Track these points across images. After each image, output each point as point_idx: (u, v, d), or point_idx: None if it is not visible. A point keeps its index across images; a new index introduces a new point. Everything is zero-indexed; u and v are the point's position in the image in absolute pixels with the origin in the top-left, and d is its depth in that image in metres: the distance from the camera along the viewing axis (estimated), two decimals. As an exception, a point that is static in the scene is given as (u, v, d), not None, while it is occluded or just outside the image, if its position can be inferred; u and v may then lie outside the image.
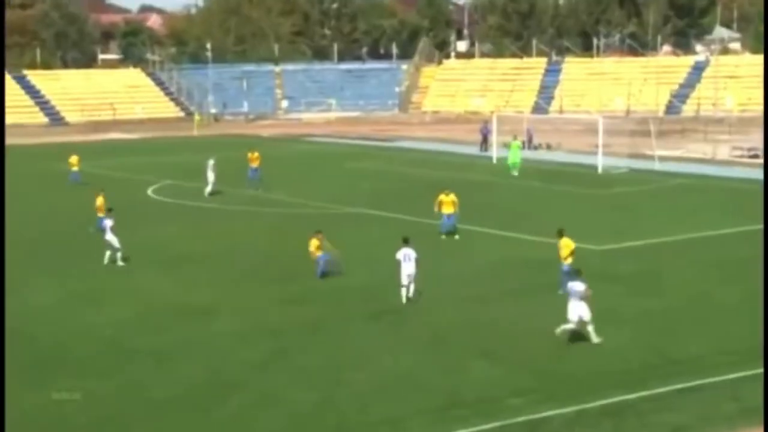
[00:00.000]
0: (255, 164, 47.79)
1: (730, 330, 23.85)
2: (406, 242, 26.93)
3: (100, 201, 35.92)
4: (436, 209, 35.67)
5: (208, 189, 45.52)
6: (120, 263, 31.26)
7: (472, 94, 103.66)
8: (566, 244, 27.23)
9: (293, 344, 23.37)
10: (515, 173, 52.63)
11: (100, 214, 35.05)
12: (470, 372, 21.38)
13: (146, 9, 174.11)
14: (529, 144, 64.45)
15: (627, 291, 27.94)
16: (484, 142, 66.19)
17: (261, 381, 20.89)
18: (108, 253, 31.51)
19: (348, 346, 23.19)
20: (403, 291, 26.51)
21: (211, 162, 45.86)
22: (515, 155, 53.70)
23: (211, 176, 45.48)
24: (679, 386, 20.15)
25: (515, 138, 56.48)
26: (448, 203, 35.35)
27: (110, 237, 31.40)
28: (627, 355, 22.22)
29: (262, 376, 21.18)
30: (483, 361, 22.03)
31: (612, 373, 21.04)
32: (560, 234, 27.61)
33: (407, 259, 26.44)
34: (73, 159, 52.22)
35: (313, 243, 29.36)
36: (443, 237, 35.34)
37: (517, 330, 24.28)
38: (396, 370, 21.41)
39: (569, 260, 26.82)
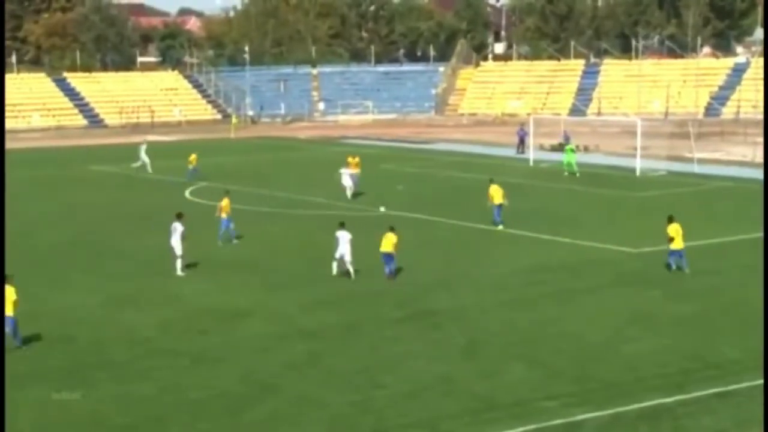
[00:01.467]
0: (355, 169, 48.55)
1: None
2: (341, 225, 30.21)
3: (225, 203, 36.10)
4: (488, 203, 37.91)
5: (348, 193, 46.81)
6: (179, 273, 30.54)
7: (509, 96, 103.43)
8: (674, 230, 29.71)
9: (328, 347, 23.46)
10: (569, 174, 53.53)
11: (224, 216, 35.61)
12: (506, 375, 21.37)
13: (185, 12, 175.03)
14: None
15: (664, 294, 27.79)
16: (521, 144, 66.02)
17: (296, 383, 20.97)
18: (179, 263, 30.81)
19: (383, 349, 23.23)
20: (334, 264, 29.82)
21: (346, 171, 47.21)
22: (570, 157, 54.74)
23: (348, 182, 46.85)
24: (716, 390, 20.07)
25: (568, 142, 58.96)
26: (498, 195, 37.76)
27: (175, 242, 30.65)
28: (664, 359, 22.11)
29: (297, 379, 21.26)
30: (519, 364, 22.01)
31: (649, 377, 20.96)
32: (670, 220, 30.15)
33: (343, 240, 29.70)
34: (192, 157, 53.95)
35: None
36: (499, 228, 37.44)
37: (555, 334, 24.23)
38: (431, 373, 21.43)
39: (680, 245, 29.65)
